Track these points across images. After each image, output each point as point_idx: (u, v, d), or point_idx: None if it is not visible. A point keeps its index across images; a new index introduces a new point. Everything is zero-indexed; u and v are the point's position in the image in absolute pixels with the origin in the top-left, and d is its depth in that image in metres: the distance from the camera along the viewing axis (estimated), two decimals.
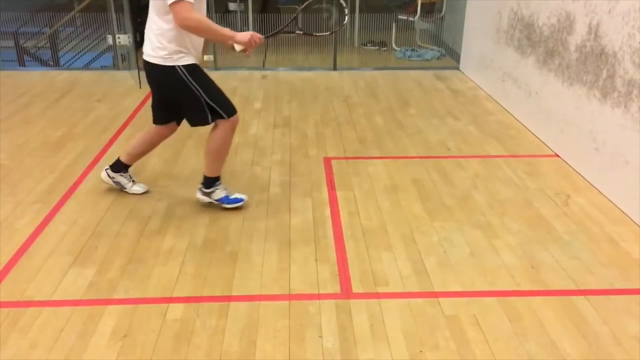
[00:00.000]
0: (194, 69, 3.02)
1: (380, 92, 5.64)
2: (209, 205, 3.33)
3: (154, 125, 3.33)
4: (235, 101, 5.35)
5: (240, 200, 3.32)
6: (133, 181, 3.49)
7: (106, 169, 3.47)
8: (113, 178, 3.45)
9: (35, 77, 6.02)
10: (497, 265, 2.83)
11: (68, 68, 6.62)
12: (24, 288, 2.63)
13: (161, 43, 2.94)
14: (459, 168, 3.89)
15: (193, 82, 3.00)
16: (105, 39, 6.36)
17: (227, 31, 2.99)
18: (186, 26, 2.84)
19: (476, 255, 2.91)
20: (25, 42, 6.85)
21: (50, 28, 6.79)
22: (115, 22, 6.10)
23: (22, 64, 6.85)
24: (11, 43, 6.73)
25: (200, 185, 3.31)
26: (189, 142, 4.32)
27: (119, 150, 4.12)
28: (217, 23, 6.80)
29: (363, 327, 2.39)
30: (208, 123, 3.13)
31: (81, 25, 6.79)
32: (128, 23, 6.04)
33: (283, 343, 2.30)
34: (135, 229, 3.13)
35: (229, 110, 3.15)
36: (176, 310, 2.49)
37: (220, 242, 3.00)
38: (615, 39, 3.39)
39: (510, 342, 2.32)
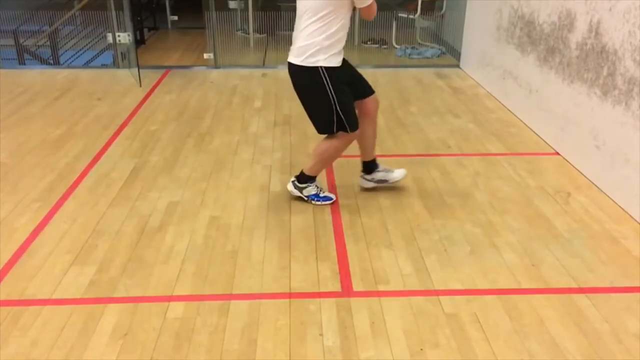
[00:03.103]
0: (335, 73, 3.02)
1: (381, 90, 5.63)
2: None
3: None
4: (236, 99, 5.40)
5: (330, 199, 3.37)
6: (390, 170, 3.48)
7: (363, 176, 3.49)
8: (373, 179, 3.48)
9: (35, 76, 6.02)
10: (498, 263, 2.83)
11: (68, 66, 6.62)
12: (25, 287, 2.63)
13: (320, 44, 2.95)
14: (459, 166, 3.89)
15: (330, 86, 3.01)
16: (105, 37, 6.36)
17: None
18: (372, 16, 3.05)
19: (477, 253, 2.91)
20: (25, 41, 6.85)
21: (50, 26, 6.79)
22: (115, 21, 6.09)
23: (22, 62, 6.85)
24: (11, 41, 6.74)
25: (294, 178, 3.37)
26: (189, 140, 4.32)
27: (119, 150, 4.13)
28: (216, 21, 6.75)
29: (364, 325, 2.39)
30: (332, 132, 3.14)
31: (81, 24, 6.79)
32: (128, 21, 6.03)
33: (284, 341, 2.31)
34: (135, 227, 3.13)
35: (354, 124, 3.15)
36: (177, 309, 2.49)
37: (221, 241, 3.00)
38: (616, 36, 3.39)
39: (510, 340, 2.32)
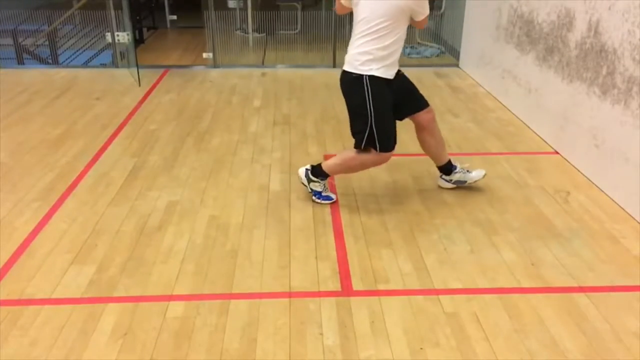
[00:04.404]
0: (378, 86, 3.00)
1: None
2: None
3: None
4: (235, 99, 5.40)
5: (331, 199, 3.37)
6: (467, 171, 3.49)
7: (442, 177, 3.53)
8: (451, 180, 3.50)
9: (34, 75, 6.01)
10: (497, 262, 2.83)
11: (67, 66, 6.61)
12: (24, 286, 2.63)
13: (372, 54, 2.97)
14: None
15: (371, 98, 2.99)
16: (104, 36, 6.35)
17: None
18: (425, 25, 3.17)
19: (476, 252, 2.92)
20: (24, 40, 6.84)
21: (49, 26, 6.78)
22: (114, 20, 6.09)
23: (21, 62, 6.83)
24: (10, 41, 6.72)
25: (309, 166, 3.33)
26: (189, 139, 4.32)
27: (119, 149, 4.13)
28: (216, 21, 6.76)
29: (363, 325, 2.39)
30: (359, 147, 3.12)
31: (80, 23, 6.78)
32: (127, 21, 6.03)
33: (283, 340, 2.31)
34: (135, 226, 3.12)
35: (387, 146, 3.12)
36: (177, 308, 2.49)
37: (221, 240, 3.00)
38: (615, 35, 3.39)
39: (510, 339, 2.32)
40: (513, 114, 4.87)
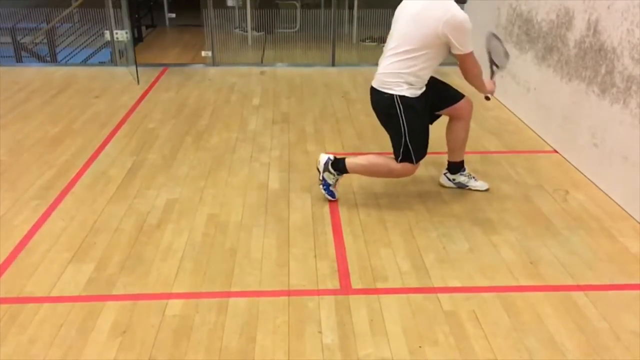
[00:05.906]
0: (409, 102, 3.02)
1: None
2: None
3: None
4: (234, 97, 5.40)
5: (334, 196, 3.35)
6: (473, 177, 3.52)
7: (444, 173, 3.53)
8: (454, 180, 3.51)
9: (33, 73, 6.00)
10: (496, 260, 2.84)
11: (66, 64, 6.60)
12: (23, 284, 2.63)
13: (402, 78, 2.99)
14: None
15: (403, 116, 3.03)
16: (102, 34, 6.35)
17: (484, 82, 3.25)
18: (473, 75, 3.12)
19: (475, 251, 2.92)
20: (22, 38, 6.83)
21: (47, 24, 6.77)
22: (112, 18, 6.08)
23: (19, 60, 6.83)
24: (8, 39, 6.72)
25: (332, 158, 3.30)
26: (187, 138, 4.32)
27: (117, 147, 4.12)
28: (215, 19, 6.76)
29: (362, 323, 2.39)
30: (397, 159, 3.15)
31: (79, 21, 6.78)
32: (126, 19, 6.02)
33: (282, 339, 2.31)
34: (133, 224, 3.12)
35: (420, 157, 3.16)
36: (175, 306, 2.49)
37: (219, 238, 3.00)
38: (614, 34, 3.39)
39: (509, 338, 2.32)
40: (512, 112, 4.87)
